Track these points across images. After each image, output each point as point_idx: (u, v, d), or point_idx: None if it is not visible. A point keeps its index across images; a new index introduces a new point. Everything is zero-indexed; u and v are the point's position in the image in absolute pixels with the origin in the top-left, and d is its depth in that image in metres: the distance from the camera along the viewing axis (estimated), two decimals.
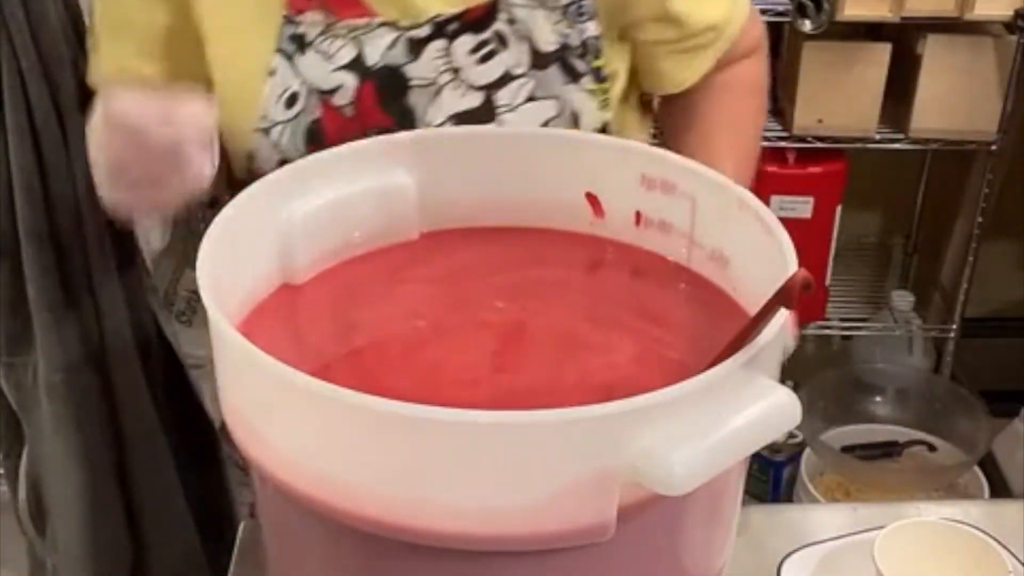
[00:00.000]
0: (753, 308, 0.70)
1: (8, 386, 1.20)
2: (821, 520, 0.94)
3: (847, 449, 2.08)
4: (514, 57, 0.88)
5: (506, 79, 0.88)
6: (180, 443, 1.28)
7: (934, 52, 1.98)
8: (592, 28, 0.89)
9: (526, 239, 0.81)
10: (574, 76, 0.89)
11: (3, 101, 1.11)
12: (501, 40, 0.88)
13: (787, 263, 0.64)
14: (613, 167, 0.79)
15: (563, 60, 0.89)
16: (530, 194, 0.80)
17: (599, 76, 0.91)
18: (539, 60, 0.88)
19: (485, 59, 0.87)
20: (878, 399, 2.17)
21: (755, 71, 1.01)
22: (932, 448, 2.10)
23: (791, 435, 2.04)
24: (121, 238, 1.23)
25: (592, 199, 0.80)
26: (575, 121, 0.90)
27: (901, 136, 1.99)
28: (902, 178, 2.31)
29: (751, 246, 0.70)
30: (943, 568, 0.81)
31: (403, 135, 0.80)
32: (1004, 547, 0.82)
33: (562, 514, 0.54)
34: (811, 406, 2.04)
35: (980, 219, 2.09)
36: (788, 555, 0.86)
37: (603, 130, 0.92)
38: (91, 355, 1.20)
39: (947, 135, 2.03)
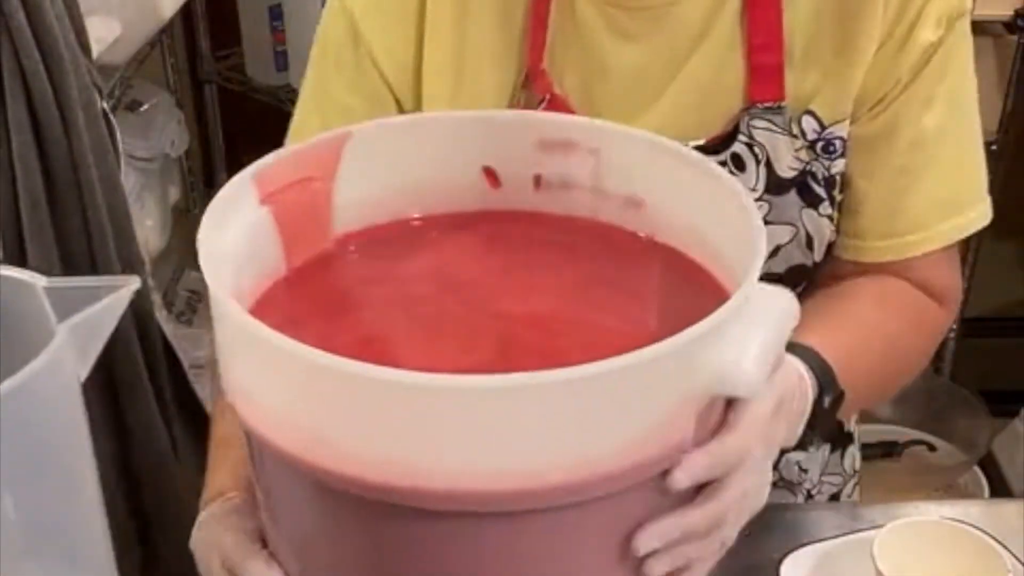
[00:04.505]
0: (676, 243, 0.73)
1: None
2: (821, 520, 0.94)
3: None
4: (750, 180, 0.85)
5: None
6: (182, 443, 1.29)
7: None
8: (841, 165, 0.87)
9: (429, 225, 0.79)
10: (812, 201, 0.86)
11: (5, 100, 1.12)
12: (738, 163, 0.85)
13: (707, 189, 0.68)
14: (510, 138, 0.77)
15: (803, 186, 0.86)
16: (430, 178, 0.78)
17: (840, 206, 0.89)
18: (777, 185, 0.86)
19: None
20: None
21: (934, 316, 0.92)
22: (932, 448, 2.10)
23: None
24: (124, 240, 1.23)
25: (489, 172, 0.78)
26: (809, 244, 0.87)
27: None
28: None
29: (668, 185, 0.72)
30: (942, 567, 0.81)
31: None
32: (1004, 547, 0.82)
33: (654, 444, 0.58)
34: None
35: None
36: (787, 554, 0.87)
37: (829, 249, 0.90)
38: None
39: None
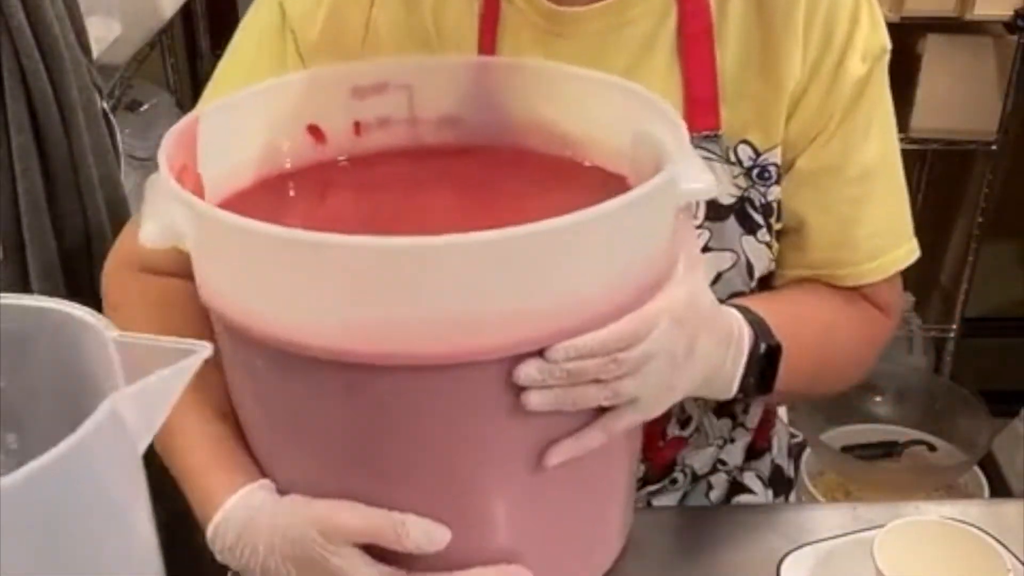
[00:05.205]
0: (498, 136, 0.81)
1: None
2: (821, 519, 0.94)
3: (847, 449, 2.08)
4: (691, 207, 0.86)
5: None
6: None
7: (934, 52, 1.98)
8: (776, 192, 0.89)
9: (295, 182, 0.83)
10: (751, 228, 0.89)
11: (5, 100, 1.12)
12: None
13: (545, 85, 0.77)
14: (327, 93, 0.82)
15: (741, 212, 0.88)
16: (270, 144, 0.81)
17: (778, 235, 0.91)
18: (716, 212, 0.88)
19: None
20: (878, 399, 2.18)
21: (874, 317, 0.94)
22: (932, 448, 2.10)
23: (791, 435, 2.05)
24: None
25: (313, 129, 0.82)
26: (750, 271, 0.89)
27: (901, 136, 1.98)
28: None
29: (486, 98, 0.80)
30: (942, 567, 0.81)
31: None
32: (1004, 547, 0.82)
33: (667, 254, 0.68)
34: (811, 406, 2.04)
35: (980, 219, 2.09)
36: (787, 554, 0.87)
37: (769, 277, 0.92)
38: None
39: (947, 135, 2.04)
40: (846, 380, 0.99)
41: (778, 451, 1.07)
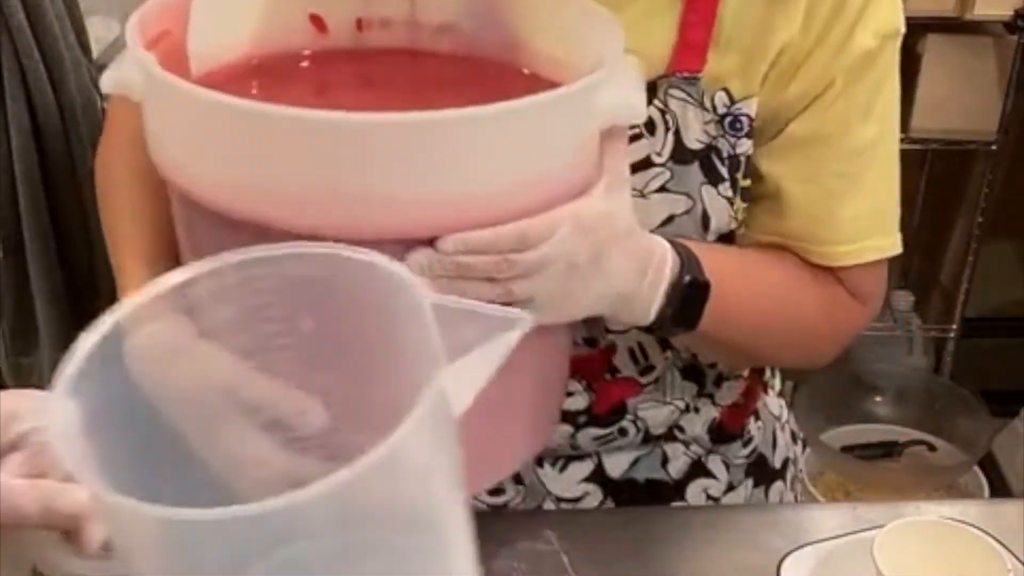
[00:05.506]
0: (496, 52, 0.82)
1: (15, 385, 1.20)
2: (821, 520, 0.94)
3: (847, 449, 2.08)
4: (656, 145, 0.87)
5: (645, 164, 0.86)
6: None
7: (934, 52, 1.98)
8: (746, 145, 0.88)
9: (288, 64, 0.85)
10: (714, 179, 0.88)
11: (5, 100, 1.12)
12: (649, 127, 0.87)
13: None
14: None
15: (707, 161, 0.87)
16: (266, 27, 0.83)
17: (744, 193, 0.90)
18: (681, 154, 0.87)
19: (631, 139, 0.84)
20: (878, 399, 2.18)
21: (841, 299, 0.91)
22: (932, 448, 2.10)
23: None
24: None
25: (315, 19, 0.83)
26: (705, 223, 0.88)
27: (901, 136, 1.98)
28: (902, 178, 2.30)
29: (487, 13, 0.81)
30: (942, 567, 0.81)
31: None
32: (1004, 547, 0.82)
33: (580, 171, 0.68)
34: (811, 406, 2.04)
35: (980, 219, 2.09)
36: (788, 554, 0.87)
37: (730, 236, 0.90)
38: None
39: (947, 135, 2.04)
40: (801, 353, 0.95)
41: (762, 440, 1.05)
